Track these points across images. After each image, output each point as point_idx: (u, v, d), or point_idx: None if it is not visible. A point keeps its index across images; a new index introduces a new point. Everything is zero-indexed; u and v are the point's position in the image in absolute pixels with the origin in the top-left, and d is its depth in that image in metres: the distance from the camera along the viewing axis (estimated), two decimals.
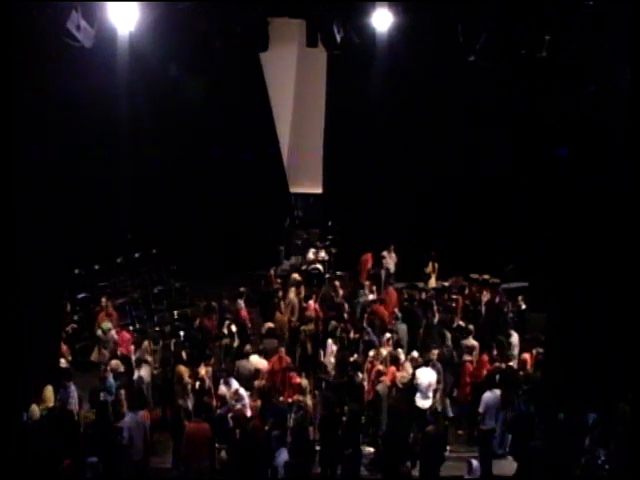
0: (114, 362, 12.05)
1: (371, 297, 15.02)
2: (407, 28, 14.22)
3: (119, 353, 12.82)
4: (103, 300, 14.25)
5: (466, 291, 15.58)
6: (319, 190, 19.30)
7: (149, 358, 12.57)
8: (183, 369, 11.87)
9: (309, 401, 11.27)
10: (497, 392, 11.30)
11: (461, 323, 13.73)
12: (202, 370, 11.91)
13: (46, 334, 12.13)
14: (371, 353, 12.31)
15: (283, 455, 9.99)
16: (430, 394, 11.67)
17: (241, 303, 14.57)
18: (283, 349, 12.47)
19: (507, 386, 11.63)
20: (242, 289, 14.87)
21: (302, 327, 13.69)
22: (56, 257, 12.79)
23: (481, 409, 11.22)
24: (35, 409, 10.55)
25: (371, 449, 11.69)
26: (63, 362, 12.32)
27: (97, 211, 15.71)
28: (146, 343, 12.84)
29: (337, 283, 15.52)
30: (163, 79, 16.46)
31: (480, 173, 17.02)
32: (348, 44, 13.71)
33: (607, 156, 11.80)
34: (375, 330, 13.40)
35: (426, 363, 11.84)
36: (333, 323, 13.58)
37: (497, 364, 12.20)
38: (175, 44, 14.31)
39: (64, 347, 13.01)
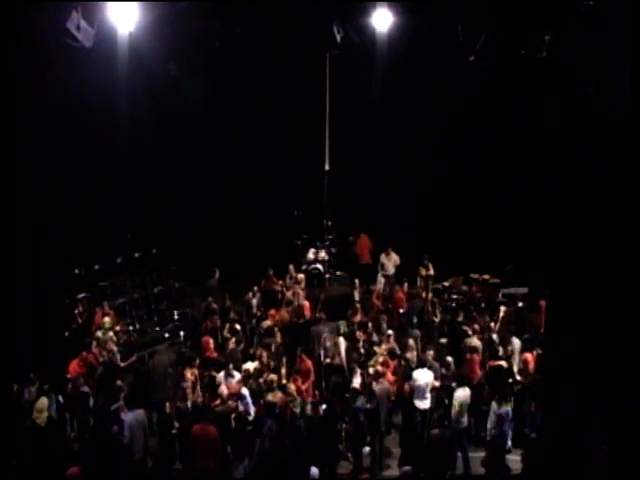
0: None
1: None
2: (407, 28, 14.28)
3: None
4: (105, 303, 14.21)
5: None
6: None
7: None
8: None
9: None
10: (467, 390, 11.26)
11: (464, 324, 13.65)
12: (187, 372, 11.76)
13: (46, 334, 12.14)
14: (380, 359, 12.23)
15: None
16: (428, 395, 11.63)
17: (254, 301, 14.67)
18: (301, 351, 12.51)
19: (497, 382, 11.61)
20: (255, 288, 14.93)
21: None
22: (56, 257, 12.81)
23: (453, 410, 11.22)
24: None
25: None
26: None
27: (97, 211, 15.69)
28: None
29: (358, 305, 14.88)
30: (163, 79, 16.47)
31: (480, 173, 17.00)
32: (348, 44, 13.76)
33: (607, 156, 11.80)
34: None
35: (422, 364, 11.82)
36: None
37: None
38: (175, 44, 14.36)
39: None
